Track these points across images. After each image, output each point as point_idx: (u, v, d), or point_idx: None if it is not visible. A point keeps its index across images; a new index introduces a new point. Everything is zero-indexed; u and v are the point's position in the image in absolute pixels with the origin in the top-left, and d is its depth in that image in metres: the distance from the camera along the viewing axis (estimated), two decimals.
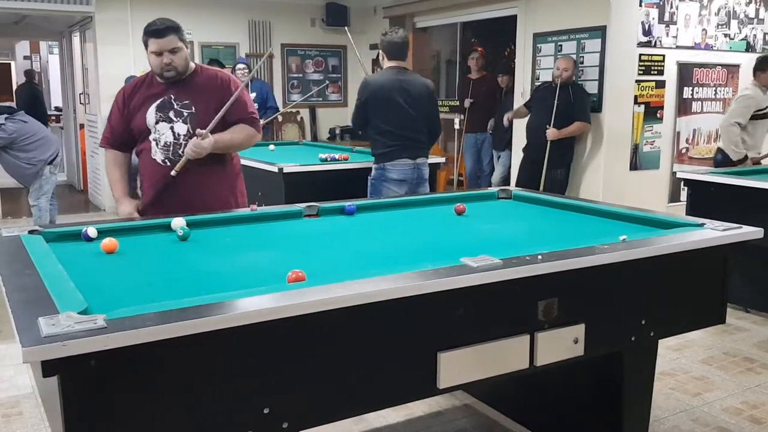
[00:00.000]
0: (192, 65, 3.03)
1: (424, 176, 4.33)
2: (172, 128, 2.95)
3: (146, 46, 2.93)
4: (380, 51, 4.29)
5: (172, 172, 2.93)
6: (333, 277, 1.75)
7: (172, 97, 2.96)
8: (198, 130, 2.88)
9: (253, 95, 6.86)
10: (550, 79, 5.91)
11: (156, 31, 2.88)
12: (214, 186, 3.02)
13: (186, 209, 2.80)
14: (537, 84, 5.99)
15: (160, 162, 2.98)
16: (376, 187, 4.23)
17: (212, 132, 2.92)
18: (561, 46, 5.99)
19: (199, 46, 8.25)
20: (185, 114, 2.95)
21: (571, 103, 5.56)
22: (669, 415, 3.01)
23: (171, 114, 2.95)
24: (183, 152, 2.93)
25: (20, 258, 1.99)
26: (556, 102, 5.49)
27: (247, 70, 6.92)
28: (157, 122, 2.96)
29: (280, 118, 6.83)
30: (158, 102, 2.96)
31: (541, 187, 5.52)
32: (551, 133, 5.57)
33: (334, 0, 8.85)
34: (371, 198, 3.94)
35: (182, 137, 2.94)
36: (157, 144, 2.97)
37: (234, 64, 7.21)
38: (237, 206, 3.13)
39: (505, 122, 6.36)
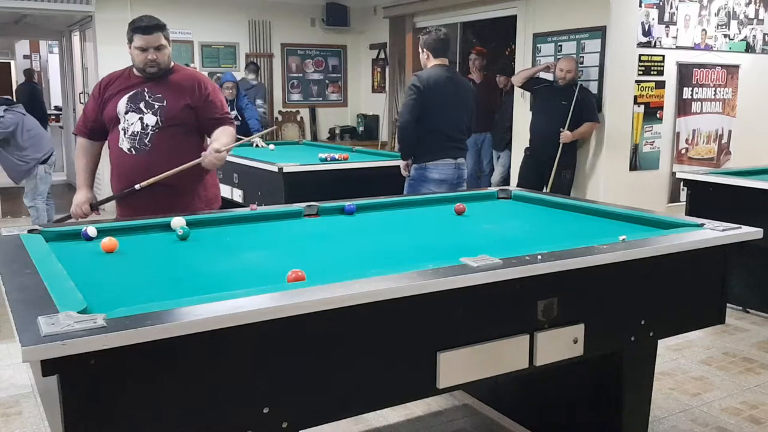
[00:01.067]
0: (171, 63, 3.14)
1: (464, 176, 4.31)
2: (141, 119, 3.04)
3: (130, 41, 3.03)
4: (424, 50, 4.24)
5: (137, 186, 3.00)
6: (333, 276, 1.75)
7: (146, 89, 3.06)
8: (214, 146, 2.98)
9: (233, 114, 6.78)
10: (549, 79, 5.85)
11: (143, 27, 3.01)
12: (181, 182, 3.06)
13: (155, 207, 2.88)
14: (535, 87, 5.86)
15: (126, 151, 3.06)
16: (415, 188, 4.16)
17: (185, 128, 3.07)
18: (561, 46, 5.99)
19: (199, 45, 8.25)
20: (156, 106, 3.04)
21: (578, 103, 5.46)
22: (668, 415, 3.01)
23: (142, 105, 3.04)
24: (149, 142, 3.02)
25: (20, 257, 1.99)
26: (572, 104, 5.39)
27: (235, 90, 6.82)
28: (127, 112, 3.05)
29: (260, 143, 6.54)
30: (131, 93, 3.07)
31: (549, 189, 5.47)
32: (566, 135, 5.46)
33: (334, 0, 8.85)
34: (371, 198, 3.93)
35: (150, 128, 3.03)
36: (125, 133, 3.05)
37: (221, 82, 6.88)
38: (206, 199, 3.23)
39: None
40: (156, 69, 3.04)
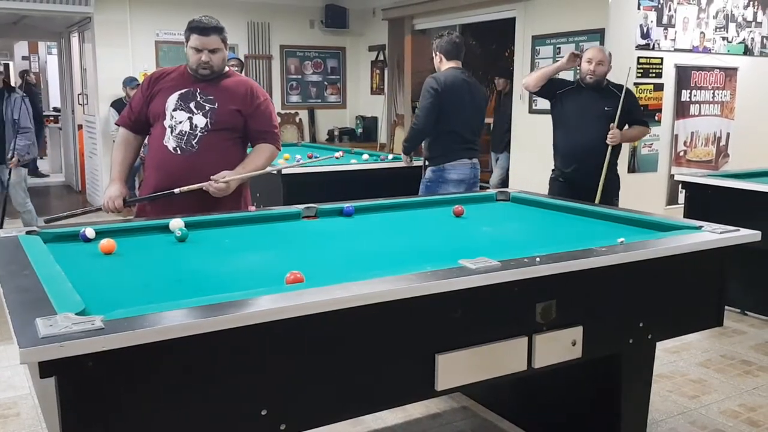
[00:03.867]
0: (226, 67, 3.05)
1: (479, 175, 4.36)
2: (190, 119, 2.94)
3: (187, 40, 2.95)
4: (437, 53, 4.26)
5: (177, 190, 2.88)
6: (331, 278, 1.75)
7: (198, 89, 2.98)
8: (222, 174, 2.86)
9: None
10: (569, 80, 4.63)
11: (201, 28, 2.91)
12: (219, 200, 2.97)
13: (185, 207, 2.82)
14: (559, 91, 4.37)
15: (171, 149, 2.93)
16: (432, 189, 4.19)
17: (234, 134, 2.99)
18: (559, 48, 6.00)
19: None
20: (207, 108, 2.95)
21: (625, 108, 4.19)
22: (666, 418, 3.01)
23: (192, 105, 2.95)
24: (197, 144, 2.92)
25: (18, 259, 1.98)
26: (619, 109, 4.15)
27: (238, 68, 6.83)
28: (175, 109, 2.95)
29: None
30: (183, 91, 2.98)
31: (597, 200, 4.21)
32: (615, 134, 4.16)
33: (333, 2, 8.86)
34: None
35: (199, 129, 2.93)
36: (172, 131, 2.94)
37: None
38: (238, 201, 3.12)
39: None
40: (209, 71, 2.95)
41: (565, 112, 4.35)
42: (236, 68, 6.69)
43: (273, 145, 3.09)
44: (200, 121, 2.94)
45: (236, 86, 3.03)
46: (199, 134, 2.93)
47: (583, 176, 4.23)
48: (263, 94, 3.10)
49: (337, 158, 4.92)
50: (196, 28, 2.92)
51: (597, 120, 4.21)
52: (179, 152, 2.93)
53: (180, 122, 2.94)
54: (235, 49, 8.45)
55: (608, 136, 4.16)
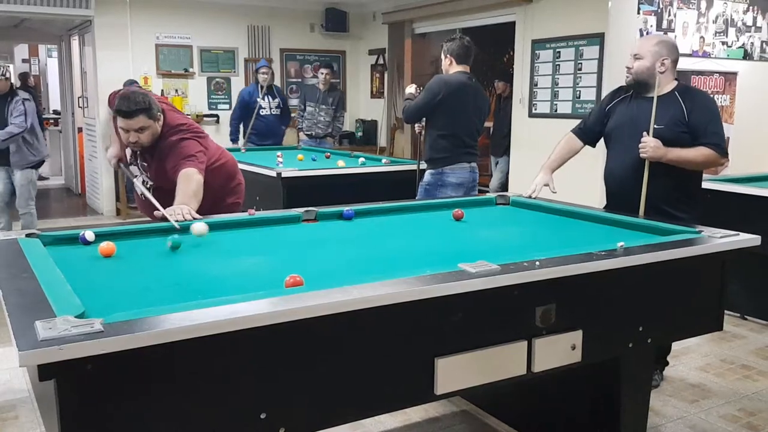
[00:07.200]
0: (158, 130, 3.03)
1: (477, 180, 4.38)
2: (143, 177, 3.17)
3: (115, 119, 3.02)
4: (447, 56, 4.27)
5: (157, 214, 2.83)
6: (331, 282, 1.75)
7: (137, 152, 3.16)
8: (174, 210, 2.72)
9: (277, 101, 6.99)
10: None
11: (125, 112, 2.93)
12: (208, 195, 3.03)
13: None
14: (611, 101, 3.20)
15: (138, 193, 3.20)
16: (431, 193, 4.20)
17: (158, 187, 3.10)
18: (559, 52, 6.01)
19: (198, 50, 8.25)
20: (147, 173, 3.15)
21: (683, 118, 2.94)
22: (666, 422, 3.01)
23: (138, 165, 3.19)
24: (154, 194, 2.98)
25: (18, 261, 1.99)
26: (653, 111, 2.90)
27: (269, 74, 6.98)
28: (131, 163, 3.20)
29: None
30: (128, 150, 3.19)
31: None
32: (649, 144, 2.87)
33: (334, 6, 8.87)
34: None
35: (149, 186, 3.13)
36: (135, 178, 3.20)
37: (257, 68, 7.11)
38: (229, 204, 3.35)
39: None
40: (138, 148, 3.08)
41: (611, 129, 3.16)
42: (267, 75, 6.85)
43: (186, 168, 2.95)
44: (147, 181, 3.15)
45: (165, 148, 3.04)
46: (151, 189, 3.08)
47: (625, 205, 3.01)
48: (187, 132, 3.07)
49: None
50: (120, 111, 2.94)
51: (636, 134, 2.96)
52: (144, 198, 3.08)
53: (136, 176, 3.19)
54: (235, 52, 8.48)
55: (639, 146, 2.92)
